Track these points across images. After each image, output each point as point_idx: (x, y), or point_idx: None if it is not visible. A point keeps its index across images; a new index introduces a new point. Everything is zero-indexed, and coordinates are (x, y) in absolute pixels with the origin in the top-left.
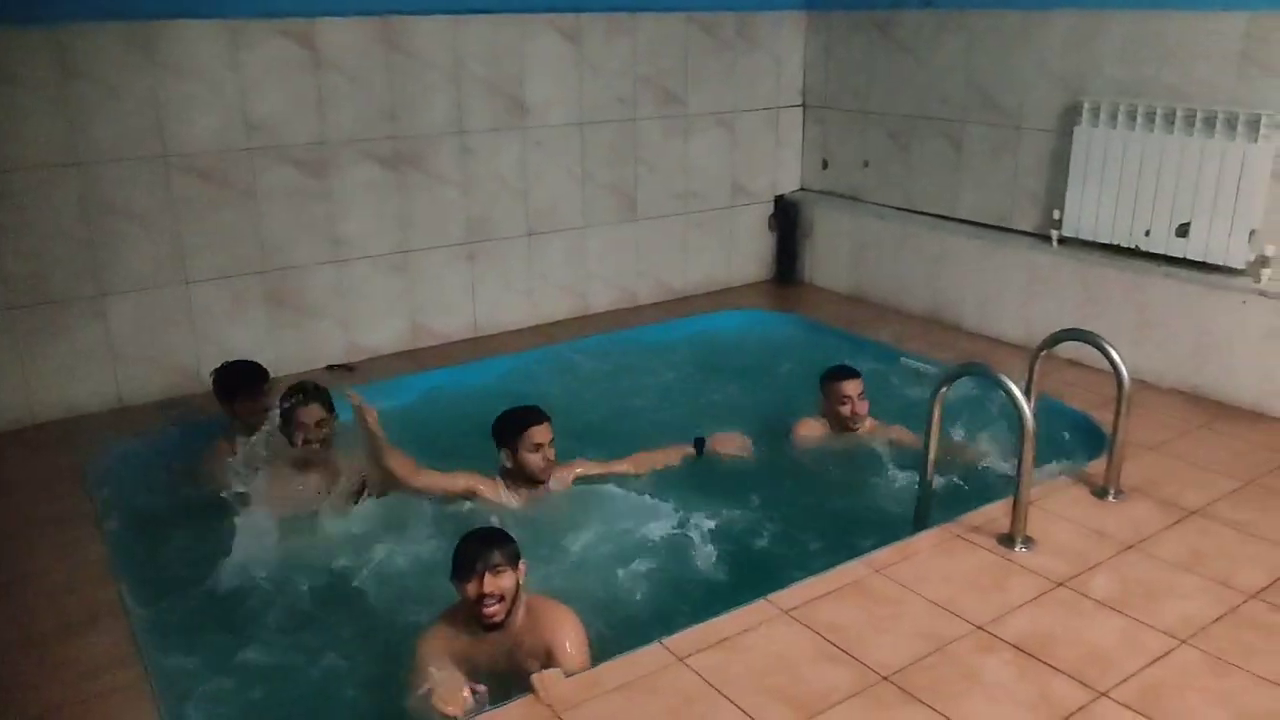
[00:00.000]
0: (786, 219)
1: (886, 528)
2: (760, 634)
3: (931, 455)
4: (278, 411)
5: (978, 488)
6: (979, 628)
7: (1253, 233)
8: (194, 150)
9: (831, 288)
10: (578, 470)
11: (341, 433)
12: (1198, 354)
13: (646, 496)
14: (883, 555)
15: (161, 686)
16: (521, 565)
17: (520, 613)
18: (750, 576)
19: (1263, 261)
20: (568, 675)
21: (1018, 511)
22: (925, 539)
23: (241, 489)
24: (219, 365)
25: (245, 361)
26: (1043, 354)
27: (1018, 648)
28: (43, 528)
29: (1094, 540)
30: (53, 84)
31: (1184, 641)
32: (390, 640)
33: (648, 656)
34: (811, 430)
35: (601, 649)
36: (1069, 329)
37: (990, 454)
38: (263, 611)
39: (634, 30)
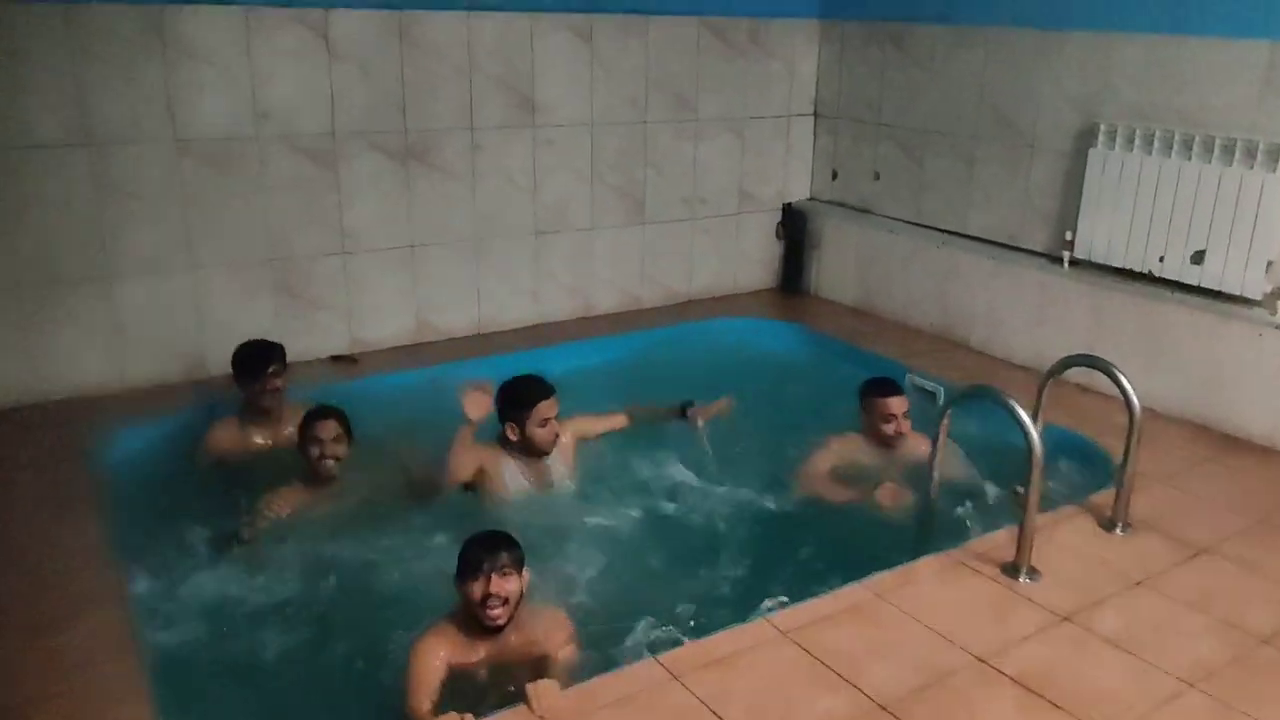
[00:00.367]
0: (794, 228)
1: (893, 548)
2: (758, 655)
3: (935, 477)
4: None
5: (982, 513)
6: (980, 660)
7: (1270, 264)
8: (204, 135)
9: (837, 299)
10: (576, 427)
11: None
12: (1210, 385)
13: (660, 497)
14: (885, 579)
15: (155, 677)
16: (526, 572)
17: (521, 627)
18: (753, 587)
19: None
20: (561, 686)
21: (1023, 541)
22: (928, 564)
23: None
24: (239, 346)
25: (264, 341)
26: (1052, 378)
27: (1019, 683)
28: (42, 509)
29: (1101, 574)
30: (66, 63)
31: (1192, 685)
32: (392, 640)
33: (643, 672)
34: (847, 446)
35: (597, 651)
36: (1079, 354)
37: (992, 479)
38: (263, 605)
39: (647, 32)
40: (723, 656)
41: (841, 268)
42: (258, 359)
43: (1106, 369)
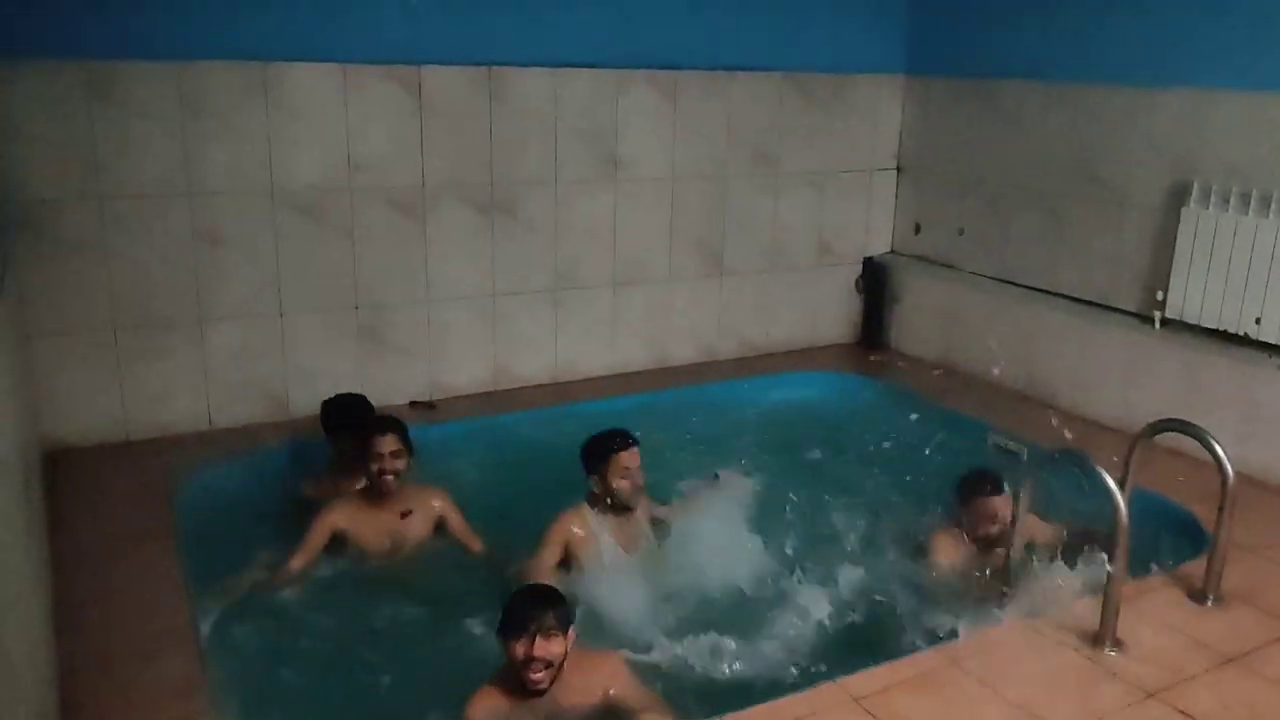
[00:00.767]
0: (875, 282)
1: (969, 616)
2: None
3: (1018, 542)
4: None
5: (1067, 580)
6: None
7: None
8: (299, 186)
9: (919, 355)
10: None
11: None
12: None
13: (748, 561)
14: (962, 646)
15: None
16: (572, 632)
17: (570, 676)
18: (826, 650)
19: None
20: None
21: (1107, 610)
22: (1008, 631)
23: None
24: (331, 397)
25: (357, 397)
26: (1141, 443)
27: None
28: (125, 545)
29: (1190, 649)
30: (174, 117)
31: None
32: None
33: None
34: (948, 551)
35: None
36: (1170, 419)
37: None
38: (331, 645)
39: (730, 89)
40: None
41: (923, 323)
42: (351, 413)
43: (1199, 434)
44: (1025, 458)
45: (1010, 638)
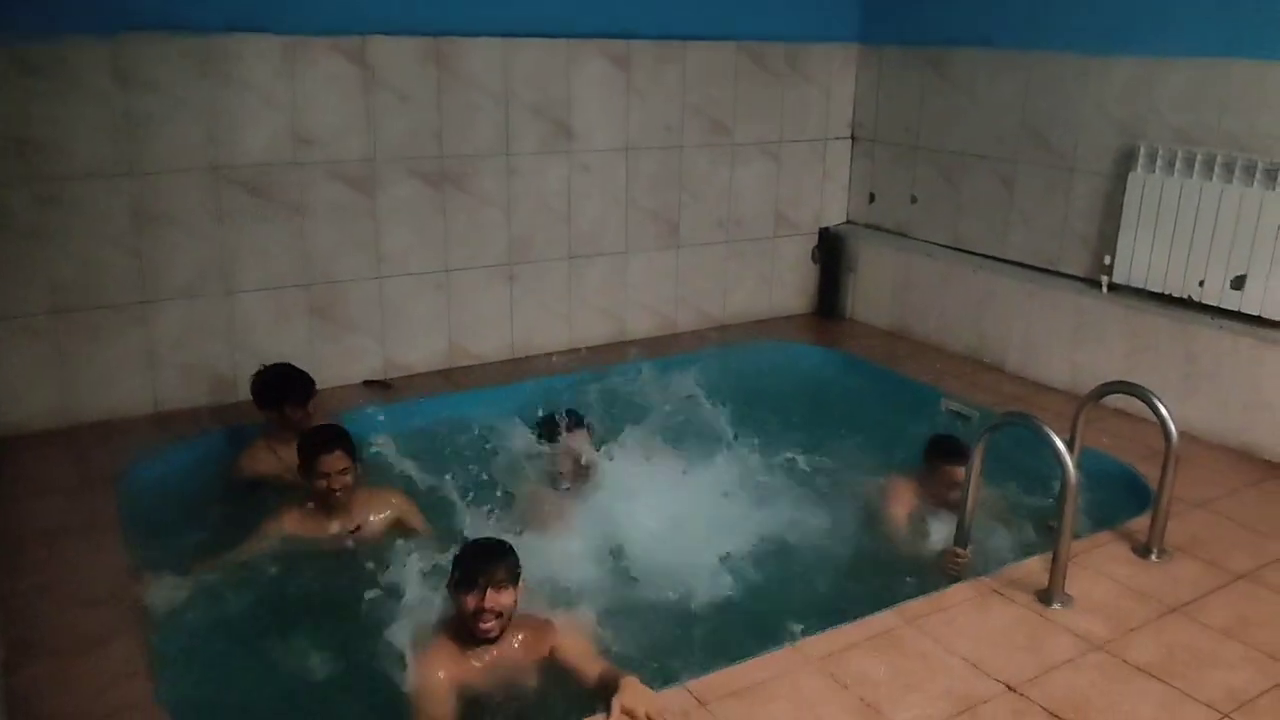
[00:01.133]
0: (830, 252)
1: (922, 575)
2: (786, 683)
3: (971, 506)
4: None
5: (1015, 540)
6: (1011, 689)
7: None
8: (244, 163)
9: (873, 323)
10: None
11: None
12: (1249, 410)
13: (703, 522)
14: (916, 606)
15: (172, 704)
16: (521, 583)
17: (515, 633)
18: (781, 613)
19: None
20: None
21: (1057, 568)
22: (960, 591)
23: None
24: (259, 369)
25: (289, 366)
26: (1088, 405)
27: (1051, 712)
28: (70, 532)
29: (1135, 601)
30: (110, 93)
31: (1227, 715)
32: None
33: (672, 700)
34: (904, 500)
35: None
36: (1116, 382)
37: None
38: (278, 628)
39: (684, 58)
40: (751, 684)
41: (878, 292)
42: (284, 383)
43: (1144, 395)
44: (976, 420)
45: (964, 596)
